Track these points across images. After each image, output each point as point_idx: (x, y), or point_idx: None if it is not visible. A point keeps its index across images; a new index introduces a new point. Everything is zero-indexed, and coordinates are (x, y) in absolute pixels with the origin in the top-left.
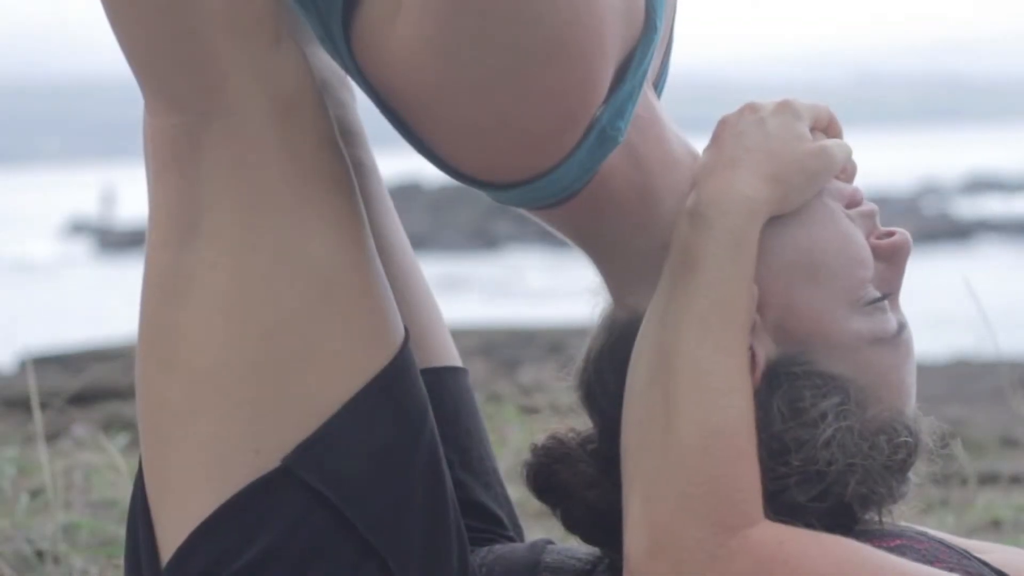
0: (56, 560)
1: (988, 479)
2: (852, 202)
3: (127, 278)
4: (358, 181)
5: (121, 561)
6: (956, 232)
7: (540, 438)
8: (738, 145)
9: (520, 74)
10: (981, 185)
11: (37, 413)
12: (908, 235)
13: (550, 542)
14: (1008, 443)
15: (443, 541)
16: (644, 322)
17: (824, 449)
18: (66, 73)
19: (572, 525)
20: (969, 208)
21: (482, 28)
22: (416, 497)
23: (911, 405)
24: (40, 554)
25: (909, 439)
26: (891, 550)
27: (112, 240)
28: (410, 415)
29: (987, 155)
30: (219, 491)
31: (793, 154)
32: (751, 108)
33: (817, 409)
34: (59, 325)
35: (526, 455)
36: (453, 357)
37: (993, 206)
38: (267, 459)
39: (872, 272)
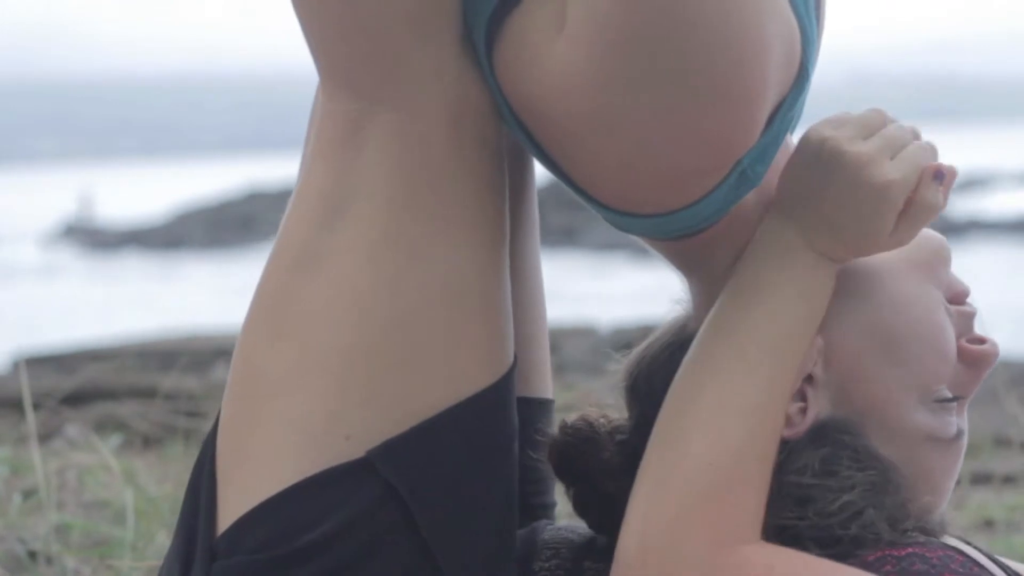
0: (49, 560)
1: (981, 479)
2: (956, 299)
3: (119, 279)
4: (513, 196)
5: (113, 561)
6: (949, 231)
7: (572, 417)
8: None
9: (682, 114)
10: (974, 184)
11: (30, 413)
12: (998, 347)
13: (550, 523)
14: (1001, 443)
15: (503, 570)
16: (703, 324)
17: (840, 513)
18: (62, 73)
19: (582, 510)
20: (962, 207)
21: (654, 64)
22: (486, 518)
23: (942, 507)
24: (33, 554)
25: (929, 538)
26: (900, 560)
27: (103, 241)
28: (498, 440)
29: (978, 155)
30: (299, 468)
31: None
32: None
33: (849, 479)
34: (52, 325)
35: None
36: (547, 389)
37: (986, 205)
38: (355, 447)
39: (951, 371)
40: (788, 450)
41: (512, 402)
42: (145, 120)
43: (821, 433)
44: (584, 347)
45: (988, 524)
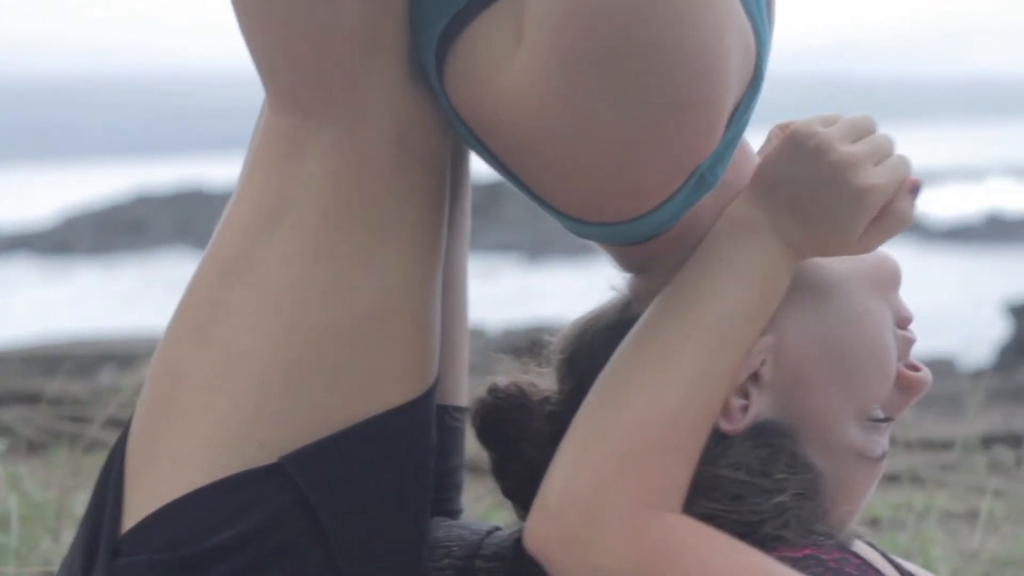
0: None
1: None
2: (902, 323)
3: (6, 283)
4: (450, 204)
5: (2, 568)
6: None
7: (501, 381)
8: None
9: (643, 126)
10: None
11: None
12: (931, 378)
13: (443, 519)
14: None
15: None
16: (658, 296)
17: (770, 512)
18: None
19: (501, 476)
20: None
21: (613, 77)
22: (396, 532)
23: (852, 524)
24: None
25: (826, 540)
26: (796, 561)
27: None
28: (414, 455)
29: None
30: (210, 472)
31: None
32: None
33: (783, 482)
34: None
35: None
36: (463, 397)
37: None
38: (268, 455)
39: (888, 393)
40: (725, 444)
41: (431, 419)
42: (32, 122)
43: (760, 433)
44: (473, 349)
45: (873, 522)
